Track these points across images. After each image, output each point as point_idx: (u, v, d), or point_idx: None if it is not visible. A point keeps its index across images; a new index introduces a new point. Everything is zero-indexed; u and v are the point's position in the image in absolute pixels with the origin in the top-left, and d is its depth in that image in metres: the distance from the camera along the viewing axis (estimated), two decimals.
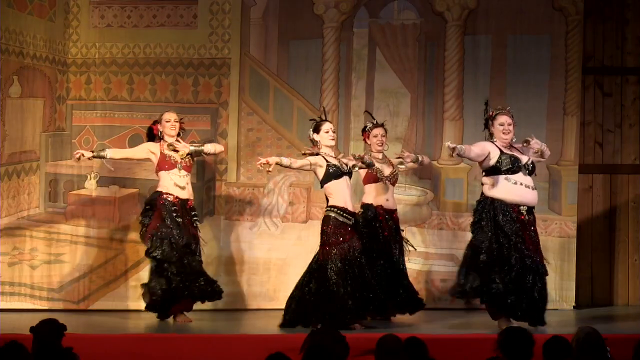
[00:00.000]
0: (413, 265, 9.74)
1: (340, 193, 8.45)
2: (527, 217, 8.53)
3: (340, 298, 8.24)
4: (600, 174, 10.39)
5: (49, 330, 5.58)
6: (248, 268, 9.90)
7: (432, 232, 10.00)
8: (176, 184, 8.92)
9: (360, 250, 8.43)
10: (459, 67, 10.11)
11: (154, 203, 8.89)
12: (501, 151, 8.55)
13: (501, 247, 8.40)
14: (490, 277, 8.36)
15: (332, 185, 8.47)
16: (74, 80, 9.88)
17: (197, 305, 9.15)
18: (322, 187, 8.54)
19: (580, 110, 10.19)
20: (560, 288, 10.01)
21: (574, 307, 9.98)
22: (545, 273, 8.54)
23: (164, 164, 8.92)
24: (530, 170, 8.57)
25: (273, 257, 9.91)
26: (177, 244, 8.78)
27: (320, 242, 8.42)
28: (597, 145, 10.39)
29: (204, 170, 9.97)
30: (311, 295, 8.38)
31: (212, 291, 8.98)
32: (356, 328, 8.19)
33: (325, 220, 8.43)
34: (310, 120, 8.67)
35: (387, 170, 9.12)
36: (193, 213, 9.02)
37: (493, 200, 8.51)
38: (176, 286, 8.77)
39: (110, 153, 9.00)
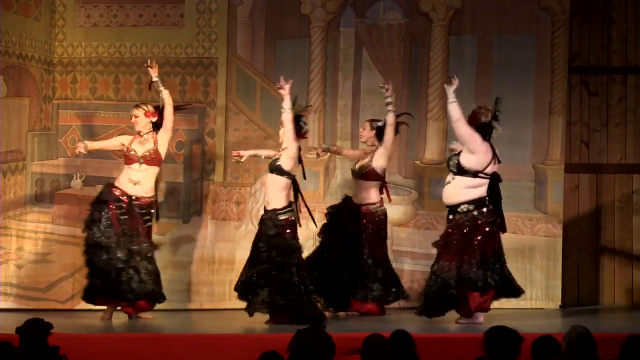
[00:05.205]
0: (399, 264, 9.75)
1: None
2: None
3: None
4: (586, 174, 10.41)
5: (34, 330, 5.58)
6: (235, 267, 9.87)
7: (418, 232, 10.01)
8: (130, 179, 8.86)
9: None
10: (443, 67, 10.12)
11: (104, 196, 8.83)
12: None
13: None
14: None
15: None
16: (60, 79, 9.86)
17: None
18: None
19: (566, 109, 10.21)
20: (547, 287, 10.03)
21: (560, 306, 10.00)
22: None
23: (127, 158, 8.89)
24: None
25: None
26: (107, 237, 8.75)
27: None
28: (583, 144, 10.41)
29: (191, 170, 9.96)
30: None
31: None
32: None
33: None
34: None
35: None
36: (142, 211, 8.86)
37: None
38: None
39: (90, 144, 9.03)
